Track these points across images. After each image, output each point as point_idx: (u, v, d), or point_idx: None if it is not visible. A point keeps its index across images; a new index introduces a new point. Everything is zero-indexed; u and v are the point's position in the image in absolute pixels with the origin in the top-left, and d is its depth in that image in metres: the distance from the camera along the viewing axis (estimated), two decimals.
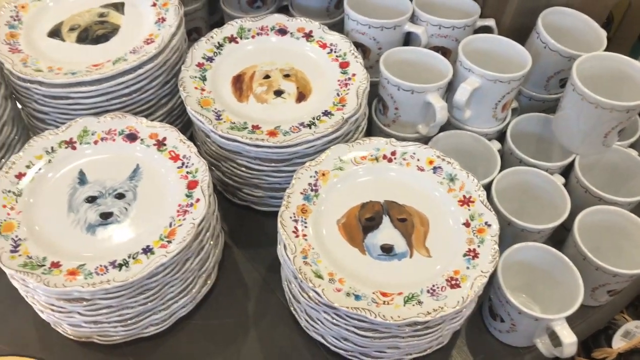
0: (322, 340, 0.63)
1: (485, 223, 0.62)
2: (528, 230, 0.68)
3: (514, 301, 0.61)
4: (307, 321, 0.64)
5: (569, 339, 0.60)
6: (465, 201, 0.64)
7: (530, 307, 0.68)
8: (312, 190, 0.65)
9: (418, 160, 0.68)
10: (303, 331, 0.66)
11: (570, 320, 0.70)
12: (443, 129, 0.77)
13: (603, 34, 0.78)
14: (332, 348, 0.63)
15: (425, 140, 0.75)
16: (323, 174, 0.66)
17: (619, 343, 0.74)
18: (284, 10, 0.94)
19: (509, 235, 0.69)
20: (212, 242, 0.67)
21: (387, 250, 0.61)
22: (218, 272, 0.71)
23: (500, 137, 0.80)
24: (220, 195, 0.78)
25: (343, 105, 0.70)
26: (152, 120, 0.70)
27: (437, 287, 0.58)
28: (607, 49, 0.75)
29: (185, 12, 0.79)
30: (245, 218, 0.78)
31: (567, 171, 0.76)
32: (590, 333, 0.72)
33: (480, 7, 0.82)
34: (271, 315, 0.69)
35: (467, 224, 0.63)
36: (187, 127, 0.81)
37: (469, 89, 0.71)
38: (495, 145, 0.76)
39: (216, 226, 0.68)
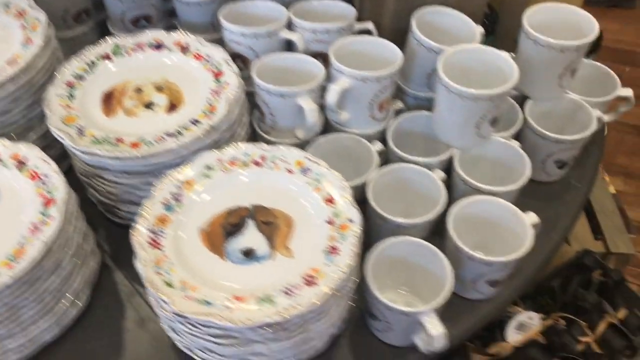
0: (191, 353, 0.61)
1: (349, 220, 0.61)
2: (403, 226, 0.67)
3: (381, 297, 0.60)
4: (174, 334, 0.61)
5: (436, 330, 0.58)
6: (331, 200, 0.63)
7: (413, 304, 0.67)
8: (174, 199, 0.63)
9: (287, 163, 0.67)
10: (176, 346, 0.63)
11: (458, 315, 0.69)
12: (326, 132, 0.77)
13: (477, 29, 0.79)
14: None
15: (306, 145, 0.75)
16: (188, 183, 0.65)
17: (513, 336, 0.73)
18: (172, 28, 0.94)
19: (388, 233, 0.68)
20: (78, 262, 0.65)
21: (247, 253, 0.60)
22: (92, 294, 0.68)
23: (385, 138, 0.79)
24: (102, 216, 0.76)
25: (213, 114, 0.69)
26: (26, 141, 0.68)
27: (293, 287, 0.56)
28: (495, 42, 0.76)
29: None
30: (127, 237, 0.75)
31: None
32: (481, 327, 0.70)
33: (358, 11, 0.83)
34: (149, 334, 0.67)
35: (330, 222, 0.61)
36: None
37: (337, 89, 0.70)
38: (377, 146, 0.76)
39: (83, 245, 0.66)
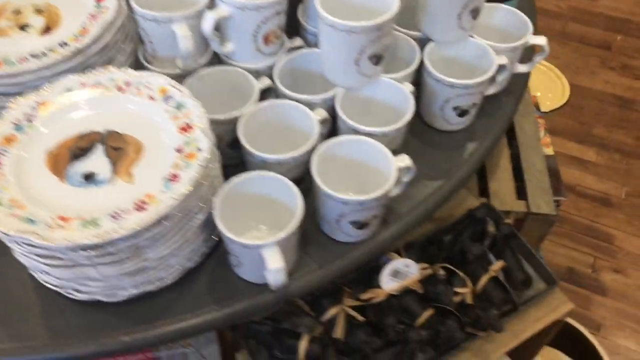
0: (34, 274, 0.61)
1: (198, 148, 0.59)
2: (269, 162, 0.65)
3: (222, 226, 0.58)
4: (19, 256, 0.61)
5: (274, 264, 0.57)
6: (185, 128, 0.61)
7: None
8: (26, 120, 0.62)
9: (151, 89, 0.64)
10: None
11: (327, 257, 0.67)
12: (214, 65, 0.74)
13: None
14: (45, 284, 0.60)
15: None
16: (44, 104, 0.63)
17: (388, 283, 0.71)
18: None
19: (257, 168, 0.66)
20: None
21: (88, 177, 0.58)
22: None
23: None
24: None
25: (83, 37, 0.67)
26: None
27: (122, 211, 0.55)
28: None
29: None
30: None
31: None
32: (351, 270, 0.68)
33: None
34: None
35: (179, 150, 0.59)
36: None
37: (214, 16, 0.67)
38: (263, 82, 0.73)
39: None
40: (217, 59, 0.76)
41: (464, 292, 0.72)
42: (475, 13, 0.73)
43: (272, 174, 0.62)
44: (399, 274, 0.71)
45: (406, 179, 0.68)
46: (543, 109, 1.47)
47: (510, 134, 1.11)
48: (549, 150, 1.11)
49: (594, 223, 1.68)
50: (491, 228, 0.79)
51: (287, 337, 0.69)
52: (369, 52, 0.66)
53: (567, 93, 1.48)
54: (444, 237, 0.80)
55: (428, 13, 0.74)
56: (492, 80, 0.79)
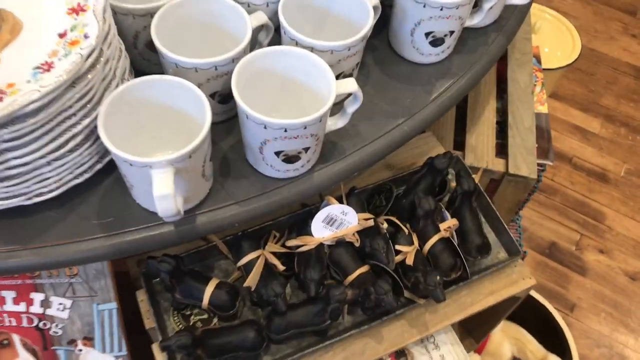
0: None
1: (84, 35, 0.47)
2: (184, 67, 0.53)
3: (104, 135, 0.47)
4: None
5: (158, 190, 0.46)
6: (77, 10, 0.49)
7: None
8: None
9: None
10: None
11: (246, 192, 0.57)
12: None
13: None
14: None
15: None
16: None
17: (320, 230, 0.60)
18: None
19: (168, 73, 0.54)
20: None
21: None
22: None
23: None
24: None
25: None
26: None
27: None
28: None
29: None
30: None
31: None
32: (274, 211, 0.57)
33: None
34: None
35: (62, 35, 0.48)
36: None
37: None
38: None
39: None
40: None
41: (407, 251, 0.61)
42: None
43: (177, 79, 0.51)
44: (335, 222, 0.61)
45: (350, 109, 0.56)
46: (547, 65, 1.33)
47: (503, 85, 0.98)
48: (543, 108, 0.99)
49: (586, 198, 1.57)
50: (453, 183, 0.68)
51: (193, 279, 0.59)
52: None
53: (576, 54, 1.34)
54: (398, 187, 0.69)
55: None
56: (476, 6, 0.66)
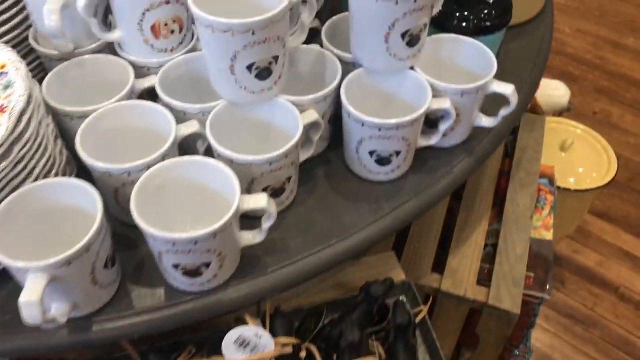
0: None
1: None
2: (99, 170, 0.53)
3: None
4: None
5: (22, 297, 0.44)
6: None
7: None
8: None
9: None
10: None
11: (149, 303, 0.54)
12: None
13: None
14: None
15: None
16: None
17: (233, 354, 0.55)
18: None
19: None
20: None
21: None
22: None
23: None
24: None
25: None
26: None
27: None
28: None
29: None
30: None
31: None
32: (176, 329, 0.54)
33: None
34: None
35: None
36: None
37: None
38: (148, 81, 0.62)
39: None
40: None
41: None
42: (410, 38, 0.57)
43: (73, 181, 0.51)
44: (249, 345, 0.56)
45: (266, 225, 0.53)
46: (579, 186, 1.24)
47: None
48: (548, 234, 0.90)
49: (631, 335, 1.39)
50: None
51: None
52: (243, 60, 0.53)
53: (613, 172, 1.24)
54: (338, 311, 0.63)
55: (354, 32, 0.59)
56: (431, 127, 0.63)
